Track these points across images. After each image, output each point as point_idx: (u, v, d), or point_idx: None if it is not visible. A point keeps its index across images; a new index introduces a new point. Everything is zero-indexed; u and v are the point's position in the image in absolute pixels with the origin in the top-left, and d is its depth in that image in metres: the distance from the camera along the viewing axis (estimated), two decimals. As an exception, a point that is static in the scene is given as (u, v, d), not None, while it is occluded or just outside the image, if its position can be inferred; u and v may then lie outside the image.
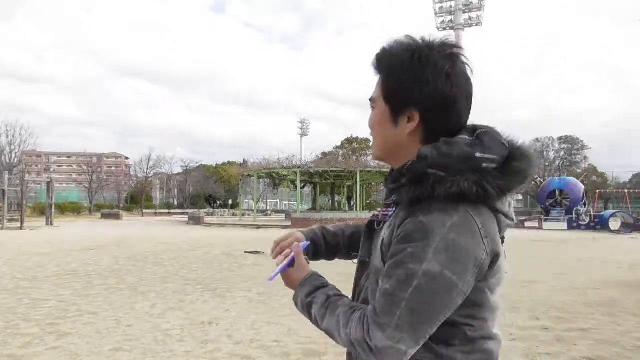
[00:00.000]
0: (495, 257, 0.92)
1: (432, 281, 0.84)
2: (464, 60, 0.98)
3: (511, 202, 0.98)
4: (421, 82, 0.94)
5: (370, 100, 1.04)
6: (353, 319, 0.92)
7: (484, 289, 0.93)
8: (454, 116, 0.96)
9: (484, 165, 0.90)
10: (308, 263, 1.11)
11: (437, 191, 0.87)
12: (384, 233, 0.97)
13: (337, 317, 0.95)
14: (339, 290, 1.03)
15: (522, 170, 0.93)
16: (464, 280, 0.86)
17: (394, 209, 0.99)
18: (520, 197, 53.06)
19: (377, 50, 1.02)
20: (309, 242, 1.19)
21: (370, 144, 1.09)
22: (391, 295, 0.86)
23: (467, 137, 0.93)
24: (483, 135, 0.93)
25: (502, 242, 0.99)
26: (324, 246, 1.25)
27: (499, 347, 1.00)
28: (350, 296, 1.07)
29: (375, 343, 0.86)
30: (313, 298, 1.01)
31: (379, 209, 1.06)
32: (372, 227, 1.05)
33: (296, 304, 1.07)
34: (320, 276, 1.07)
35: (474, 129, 0.96)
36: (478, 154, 0.90)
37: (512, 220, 0.98)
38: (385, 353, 0.86)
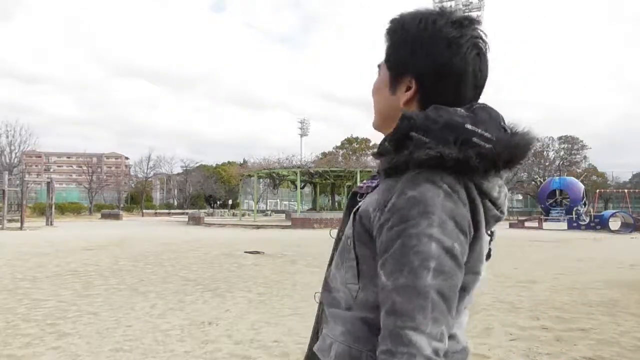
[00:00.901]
0: (475, 239, 0.83)
1: (448, 258, 0.76)
2: (476, 33, 0.91)
3: (502, 190, 0.89)
4: (420, 48, 0.90)
5: (378, 66, 1.00)
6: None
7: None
8: (452, 88, 0.89)
9: (475, 139, 0.81)
10: None
11: (416, 155, 0.80)
12: (363, 201, 0.90)
13: None
14: None
15: (511, 151, 0.84)
16: (465, 249, 0.80)
17: (378, 180, 0.93)
18: (520, 197, 53.18)
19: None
20: None
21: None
22: (413, 288, 0.74)
23: (463, 110, 0.86)
24: (478, 110, 0.87)
25: (492, 239, 0.93)
26: None
27: (454, 346, 0.89)
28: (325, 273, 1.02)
29: (424, 353, 0.72)
30: None
31: (364, 181, 0.99)
32: (355, 201, 0.96)
33: None
34: None
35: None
36: (469, 126, 0.82)
37: (501, 211, 0.90)
38: (437, 345, 0.73)
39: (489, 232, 0.90)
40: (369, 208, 0.86)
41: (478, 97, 0.93)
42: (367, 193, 0.93)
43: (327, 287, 1.00)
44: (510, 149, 0.84)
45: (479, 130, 0.82)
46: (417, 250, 0.75)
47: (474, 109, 0.87)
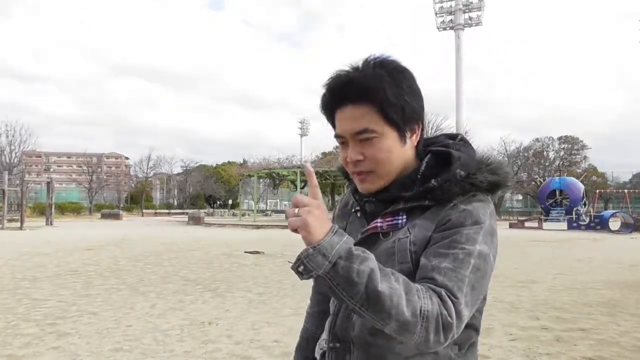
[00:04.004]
0: None
1: (484, 262, 0.90)
2: None
3: None
4: (418, 95, 0.99)
5: (363, 131, 0.94)
6: (417, 288, 0.83)
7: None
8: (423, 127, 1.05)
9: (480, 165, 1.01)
10: None
11: (479, 179, 0.96)
12: (408, 235, 0.95)
13: (400, 281, 0.82)
14: None
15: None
16: (494, 262, 0.94)
17: (403, 215, 0.98)
18: (520, 197, 53.16)
19: (332, 83, 0.96)
20: None
21: None
22: (454, 271, 0.87)
23: (449, 140, 1.07)
24: (464, 141, 1.07)
25: None
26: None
27: None
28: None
29: (452, 320, 0.82)
30: (362, 252, 0.83)
31: (378, 220, 0.99)
32: (373, 239, 0.99)
33: (324, 253, 0.80)
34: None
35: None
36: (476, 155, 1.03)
37: None
38: (456, 330, 0.83)
39: None
40: (424, 233, 0.96)
41: None
42: (392, 230, 0.98)
43: None
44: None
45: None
46: (463, 247, 0.90)
47: (460, 138, 1.08)
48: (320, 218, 0.82)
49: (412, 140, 0.99)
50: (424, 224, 0.95)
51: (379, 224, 0.99)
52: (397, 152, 0.96)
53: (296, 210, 0.84)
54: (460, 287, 0.85)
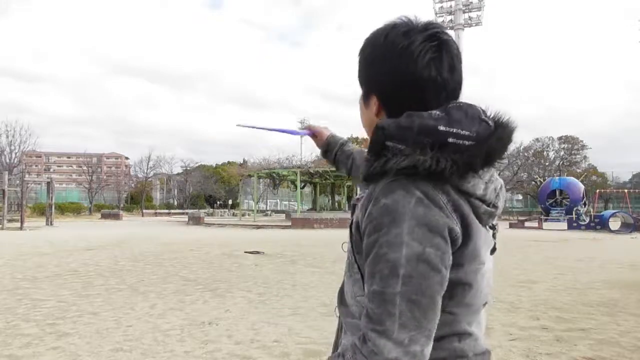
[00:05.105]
0: (467, 235, 0.83)
1: (418, 263, 0.77)
2: (429, 36, 0.89)
3: (490, 185, 0.89)
4: (374, 64, 0.92)
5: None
6: (348, 349, 0.83)
7: (456, 279, 0.84)
8: (414, 98, 0.88)
9: (450, 140, 0.82)
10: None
11: (389, 164, 0.82)
12: (356, 213, 0.91)
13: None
14: None
15: (490, 148, 0.85)
16: (444, 251, 0.79)
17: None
18: (520, 197, 53.14)
19: None
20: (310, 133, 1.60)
21: None
22: (381, 294, 0.77)
23: (438, 112, 0.85)
24: (452, 109, 0.85)
25: (494, 233, 0.94)
26: (333, 157, 1.57)
27: (476, 347, 0.91)
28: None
29: (386, 356, 0.75)
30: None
31: (360, 192, 1.00)
32: (354, 212, 0.97)
33: None
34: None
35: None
36: (442, 127, 0.82)
37: (493, 205, 0.90)
38: (402, 357, 0.75)
39: (488, 226, 0.91)
40: (359, 218, 0.87)
41: (452, 98, 0.91)
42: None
43: (342, 300, 1.03)
44: (491, 143, 0.84)
45: (454, 130, 0.83)
46: (387, 259, 0.78)
47: (448, 109, 0.86)
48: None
49: (372, 108, 0.95)
50: (362, 203, 0.87)
51: (360, 195, 0.98)
52: (363, 110, 1.00)
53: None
54: (390, 312, 0.76)
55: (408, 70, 0.87)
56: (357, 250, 0.90)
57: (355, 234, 0.89)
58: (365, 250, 0.83)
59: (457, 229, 0.82)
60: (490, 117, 0.89)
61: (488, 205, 0.88)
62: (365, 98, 0.98)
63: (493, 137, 0.85)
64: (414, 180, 0.81)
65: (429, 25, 0.90)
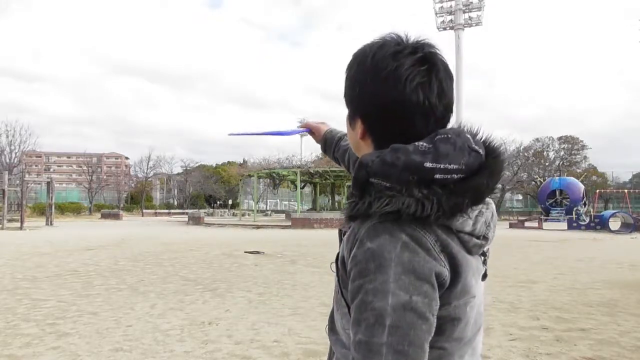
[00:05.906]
0: (456, 275, 0.81)
1: (405, 312, 0.74)
2: (418, 59, 0.84)
3: (480, 218, 0.86)
4: (360, 86, 0.87)
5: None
6: None
7: (445, 314, 0.81)
8: (400, 124, 0.84)
9: (437, 176, 0.78)
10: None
11: (373, 208, 0.78)
12: (342, 247, 0.88)
13: None
14: None
15: (480, 185, 0.81)
16: (432, 298, 0.77)
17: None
18: (520, 197, 53.17)
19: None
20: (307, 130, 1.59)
21: None
22: (367, 344, 0.74)
23: (425, 144, 0.80)
24: (440, 142, 0.80)
25: (485, 262, 0.91)
26: (332, 152, 1.54)
27: None
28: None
29: None
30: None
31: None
32: (341, 237, 0.94)
33: None
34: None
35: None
36: (428, 164, 0.78)
37: (483, 237, 0.86)
38: None
39: (479, 255, 0.89)
40: (344, 254, 0.85)
41: (441, 123, 0.86)
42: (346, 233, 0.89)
43: (332, 327, 0.99)
44: (481, 180, 0.81)
45: (441, 166, 0.78)
46: (373, 307, 0.75)
47: (435, 141, 0.81)
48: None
49: (357, 131, 0.90)
50: (348, 237, 0.84)
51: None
52: (350, 131, 0.95)
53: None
54: None
55: (394, 95, 0.82)
56: (343, 285, 0.86)
57: (342, 270, 0.86)
58: (350, 294, 0.80)
59: (445, 271, 0.79)
60: (481, 140, 0.86)
61: (478, 238, 0.85)
62: (351, 119, 0.93)
63: (484, 171, 0.82)
64: (399, 223, 0.78)
65: (418, 47, 0.85)
